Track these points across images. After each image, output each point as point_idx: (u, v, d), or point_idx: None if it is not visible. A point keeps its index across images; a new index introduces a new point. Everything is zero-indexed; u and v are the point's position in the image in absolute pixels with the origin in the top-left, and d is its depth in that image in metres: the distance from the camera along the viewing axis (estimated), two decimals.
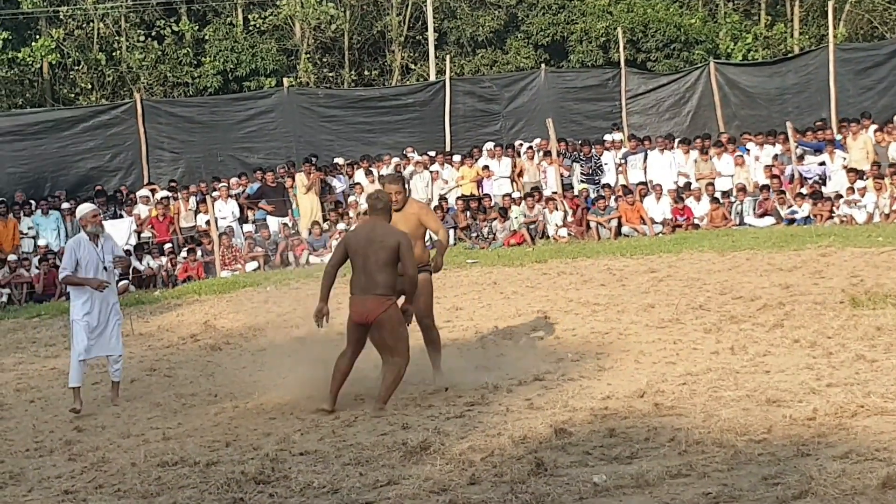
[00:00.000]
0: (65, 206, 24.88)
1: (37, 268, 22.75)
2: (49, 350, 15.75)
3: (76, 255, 11.34)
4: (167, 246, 24.01)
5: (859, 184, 23.14)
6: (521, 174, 27.33)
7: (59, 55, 34.69)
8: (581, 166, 26.96)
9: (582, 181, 26.71)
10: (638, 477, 6.72)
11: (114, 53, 36.13)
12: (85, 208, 11.81)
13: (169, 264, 23.46)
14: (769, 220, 23.76)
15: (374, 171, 26.88)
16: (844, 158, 24.47)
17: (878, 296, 13.12)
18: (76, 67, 35.64)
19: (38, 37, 34.73)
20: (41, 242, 23.82)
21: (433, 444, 8.04)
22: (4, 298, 21.97)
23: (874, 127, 25.03)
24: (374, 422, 9.20)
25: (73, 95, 35.78)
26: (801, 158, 25.22)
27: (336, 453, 8.14)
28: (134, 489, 7.60)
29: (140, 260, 23.35)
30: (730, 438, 7.48)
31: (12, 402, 11.96)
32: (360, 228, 10.20)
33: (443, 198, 26.25)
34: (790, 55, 32.04)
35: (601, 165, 27.00)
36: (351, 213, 25.30)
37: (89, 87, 35.86)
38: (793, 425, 7.72)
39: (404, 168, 27.10)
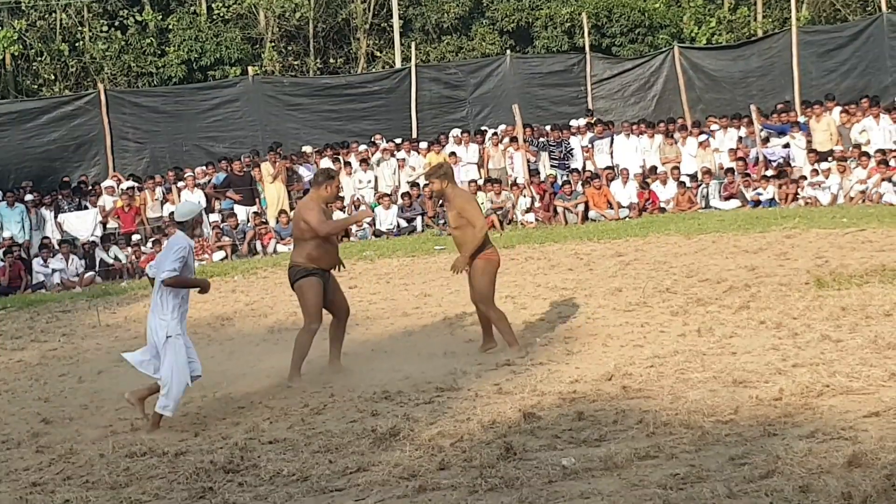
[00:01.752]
0: (28, 197, 24.69)
1: (1, 260, 22.57)
2: (15, 343, 15.60)
3: (187, 259, 9.51)
4: (135, 237, 23.89)
5: (823, 165, 23.28)
6: (487, 160, 27.39)
7: (21, 46, 34.37)
8: (552, 151, 27.01)
9: (553, 166, 26.76)
10: (606, 459, 6.75)
11: (77, 44, 35.89)
12: (196, 209, 10.01)
13: (133, 255, 23.34)
14: (735, 203, 23.89)
15: (341, 158, 26.86)
16: (809, 141, 24.63)
17: (842, 276, 13.24)
18: (39, 58, 35.36)
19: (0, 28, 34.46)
20: (6, 234, 23.59)
21: (402, 430, 8.05)
22: None
23: (839, 109, 25.17)
24: (343, 409, 9.20)
25: (36, 87, 35.51)
26: (765, 141, 25.34)
27: (305, 441, 8.14)
28: (102, 480, 7.57)
29: (106, 251, 23.22)
30: (697, 420, 7.52)
31: None
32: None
33: (414, 184, 26.24)
34: (754, 38, 32.17)
35: (571, 150, 27.07)
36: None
37: (52, 78, 35.60)
38: (759, 406, 7.77)
39: (372, 155, 27.10)
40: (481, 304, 11.36)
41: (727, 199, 24.13)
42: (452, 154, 27.09)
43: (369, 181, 26.17)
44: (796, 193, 23.26)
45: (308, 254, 10.91)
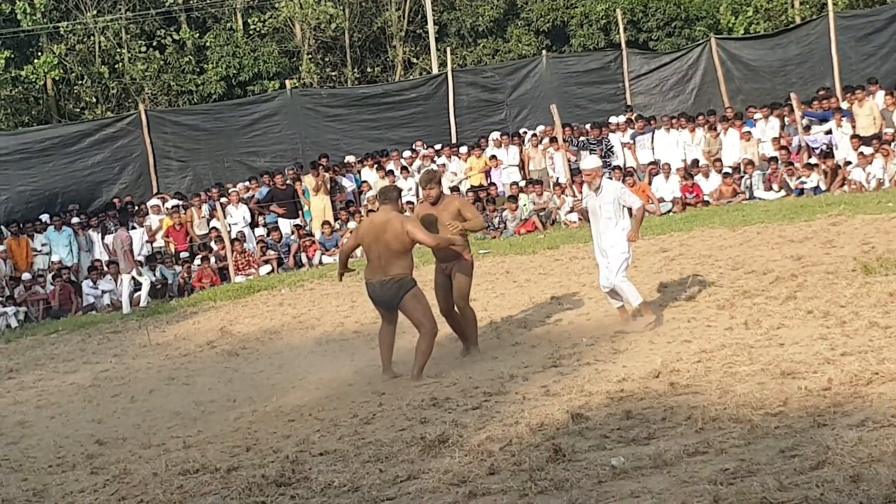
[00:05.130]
0: (75, 220, 24.95)
1: (52, 284, 22.84)
2: (68, 365, 15.80)
3: None
4: (184, 254, 24.06)
5: (866, 150, 23.05)
6: (528, 162, 27.39)
7: (62, 71, 34.81)
8: (592, 150, 26.92)
9: None
10: (656, 457, 6.72)
11: (116, 66, 36.25)
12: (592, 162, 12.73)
13: (185, 272, 23.50)
14: (780, 193, 23.71)
15: (384, 167, 26.97)
16: (853, 127, 24.38)
17: (889, 262, 13.10)
18: (80, 82, 35.75)
19: (40, 54, 34.87)
20: (54, 258, 23.88)
21: (451, 436, 8.03)
22: (21, 316, 22.04)
23: (882, 92, 24.90)
24: (392, 418, 9.22)
25: (78, 110, 35.90)
26: (807, 129, 25.14)
27: (355, 451, 8.14)
28: (157, 499, 7.61)
29: (153, 270, 23.39)
30: (746, 413, 7.47)
31: (33, 418, 12.02)
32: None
33: (455, 189, 26.26)
34: (791, 26, 31.94)
35: (612, 148, 26.98)
36: (362, 211, 25.37)
37: (94, 100, 35.99)
38: (808, 396, 7.71)
39: (411, 163, 27.14)
40: (462, 300, 11.90)
41: (771, 188, 23.95)
42: (493, 157, 27.14)
43: (410, 188, 26.17)
44: (844, 179, 23.03)
45: (410, 265, 11.28)
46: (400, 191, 12.18)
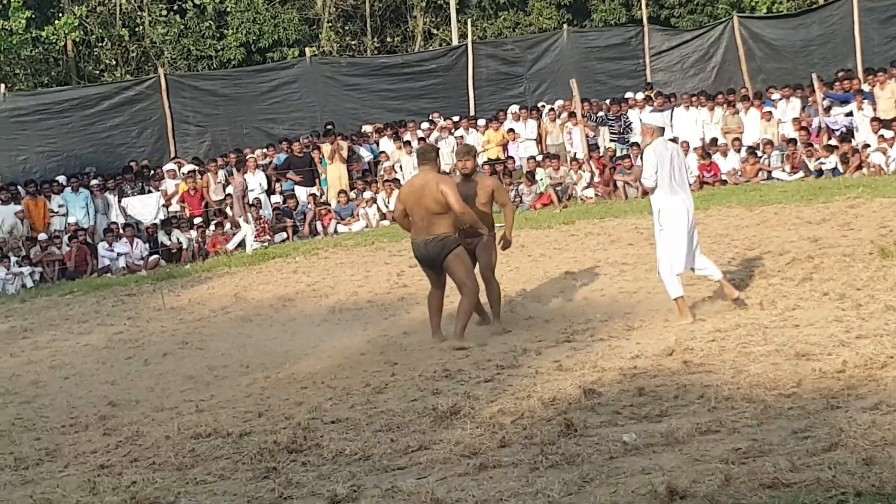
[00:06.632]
0: (94, 182, 24.97)
1: (68, 245, 22.87)
2: (82, 326, 15.85)
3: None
4: (198, 219, 24.05)
5: (886, 133, 22.92)
6: (546, 136, 27.30)
7: (82, 32, 34.76)
8: (611, 126, 26.84)
9: (612, 140, 26.59)
10: (668, 435, 6.71)
11: (137, 29, 36.20)
12: (649, 117, 11.76)
13: (199, 237, 23.50)
14: (798, 174, 23.60)
15: (401, 137, 26.91)
16: (874, 109, 24.23)
17: None
18: (100, 44, 35.72)
19: (60, 15, 34.78)
20: (71, 220, 23.88)
21: (463, 408, 8.05)
22: (37, 276, 22.10)
23: None
24: (404, 388, 9.22)
25: (97, 72, 35.87)
26: (827, 110, 25.00)
27: (367, 420, 8.16)
28: (168, 462, 7.64)
29: (168, 234, 23.43)
30: (759, 393, 7.46)
31: (47, 379, 12.05)
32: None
33: None
34: (814, 6, 31.75)
35: (630, 124, 26.84)
36: (379, 182, 25.37)
37: (114, 63, 35.97)
38: (822, 378, 7.69)
39: (429, 134, 27.07)
40: (489, 271, 11.99)
41: (790, 170, 23.83)
42: (511, 130, 27.06)
43: None
44: (860, 163, 22.90)
45: (452, 224, 11.37)
46: (438, 150, 12.28)
